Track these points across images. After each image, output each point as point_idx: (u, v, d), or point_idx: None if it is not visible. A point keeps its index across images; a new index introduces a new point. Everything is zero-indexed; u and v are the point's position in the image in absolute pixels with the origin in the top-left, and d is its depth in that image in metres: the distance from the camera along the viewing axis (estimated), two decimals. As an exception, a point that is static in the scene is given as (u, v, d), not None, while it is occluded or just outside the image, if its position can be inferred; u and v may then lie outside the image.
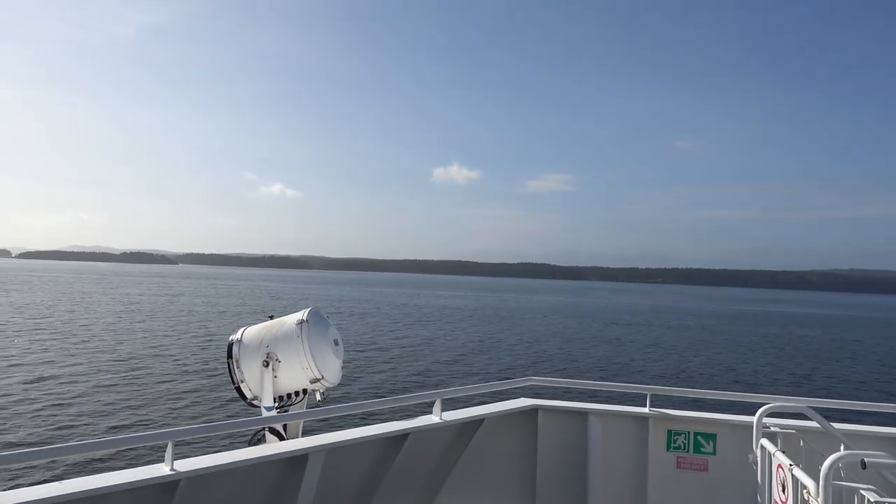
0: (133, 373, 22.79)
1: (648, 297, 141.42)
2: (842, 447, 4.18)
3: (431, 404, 4.89)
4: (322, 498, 4.06)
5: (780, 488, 3.72)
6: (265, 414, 4.59)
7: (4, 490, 3.06)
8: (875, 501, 2.91)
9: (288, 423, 4.65)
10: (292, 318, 4.76)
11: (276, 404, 4.70)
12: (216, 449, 4.00)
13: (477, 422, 5.09)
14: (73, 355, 26.14)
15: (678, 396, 5.45)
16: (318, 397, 4.82)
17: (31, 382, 20.31)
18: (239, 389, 4.78)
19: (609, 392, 5.66)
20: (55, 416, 16.48)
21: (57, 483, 3.10)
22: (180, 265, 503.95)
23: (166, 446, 3.37)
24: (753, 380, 27.83)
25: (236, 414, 14.43)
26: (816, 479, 3.12)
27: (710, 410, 5.38)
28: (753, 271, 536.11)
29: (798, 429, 4.49)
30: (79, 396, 18.70)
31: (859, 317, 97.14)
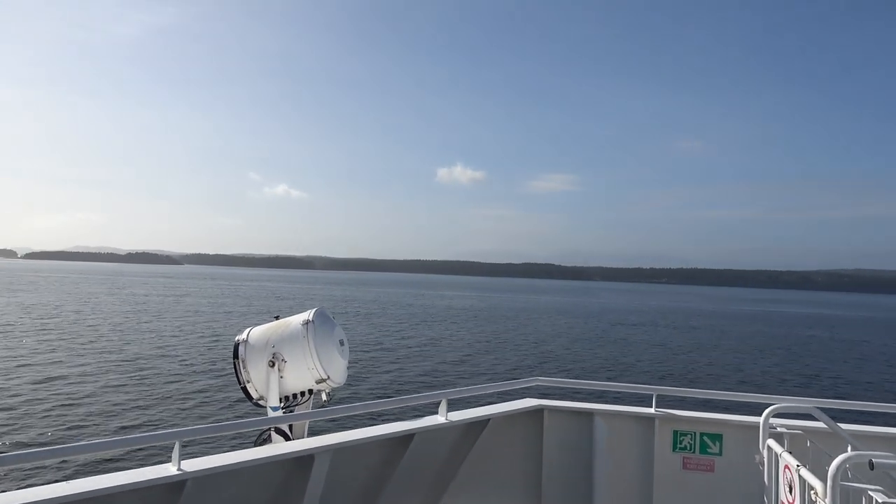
0: (140, 373, 22.85)
1: (653, 298, 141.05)
2: (849, 448, 4.16)
3: (437, 404, 4.89)
4: (328, 498, 4.06)
5: (787, 489, 3.70)
6: (271, 414, 4.60)
7: (12, 490, 3.07)
8: (883, 502, 2.89)
9: (294, 423, 4.66)
10: (298, 319, 4.76)
11: (282, 404, 4.71)
12: (223, 449, 4.01)
13: (483, 422, 5.08)
14: (80, 355, 26.22)
15: (684, 397, 5.43)
16: (324, 397, 4.83)
17: (40, 382, 20.39)
18: (245, 390, 4.79)
19: (615, 392, 5.64)
20: (63, 415, 16.54)
21: (64, 483, 3.11)
22: (185, 265, 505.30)
23: (173, 446, 3.38)
24: (759, 380, 27.70)
25: (243, 414, 14.46)
26: (824, 480, 3.10)
27: (716, 411, 5.36)
28: (757, 271, 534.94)
29: (805, 429, 4.46)
30: (86, 396, 18.76)
31: (865, 317, 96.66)
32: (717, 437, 5.05)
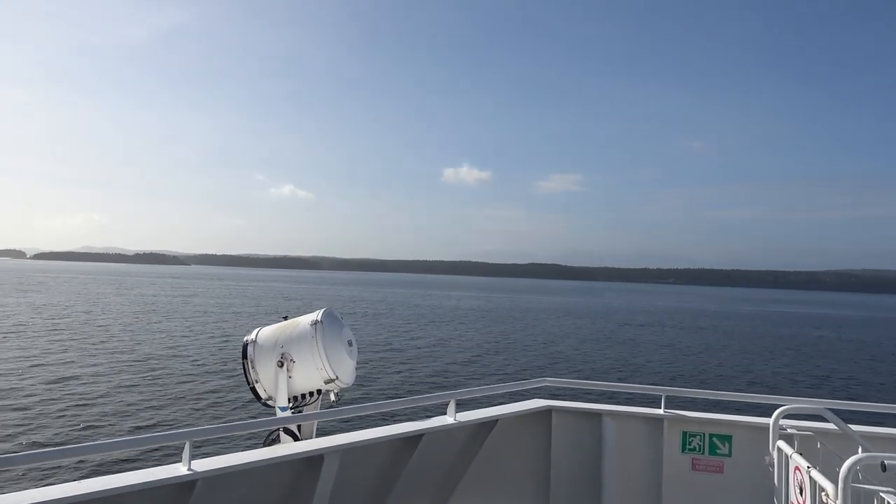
0: (150, 373, 22.96)
1: (660, 298, 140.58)
2: (860, 449, 4.14)
3: (446, 405, 4.89)
4: (337, 498, 4.07)
5: (798, 491, 3.68)
6: (280, 414, 4.60)
7: (23, 490, 3.09)
8: None
9: (302, 423, 4.67)
10: (307, 319, 4.77)
11: (291, 405, 4.71)
12: (233, 449, 4.02)
13: (491, 423, 5.08)
14: (91, 356, 26.39)
15: (693, 398, 5.41)
16: (333, 398, 4.83)
17: (53, 382, 20.53)
18: (254, 390, 4.79)
19: (623, 393, 5.62)
20: (76, 415, 16.65)
21: (75, 482, 3.12)
22: (192, 266, 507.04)
23: (184, 446, 3.39)
24: (769, 381, 27.57)
25: (252, 415, 14.51)
26: (835, 482, 3.09)
27: (726, 412, 5.34)
28: (764, 271, 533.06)
29: (815, 431, 4.44)
30: (98, 396, 18.87)
31: (874, 317, 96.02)
32: (726, 439, 5.02)
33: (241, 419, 15.29)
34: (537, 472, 5.30)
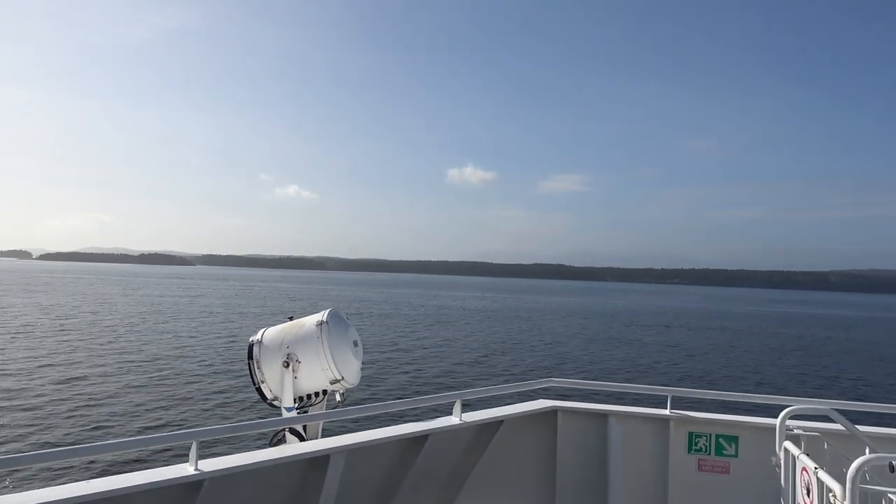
0: (157, 373, 23.03)
1: (666, 298, 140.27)
2: (867, 450, 4.13)
3: (451, 405, 4.89)
4: (343, 498, 4.07)
5: (805, 491, 3.66)
6: (286, 415, 4.61)
7: (31, 489, 3.10)
8: None
9: (308, 423, 4.67)
10: (312, 320, 4.77)
11: (297, 405, 4.72)
12: (239, 449, 4.03)
13: (496, 423, 5.08)
14: (99, 356, 26.49)
15: (699, 398, 5.40)
16: (338, 398, 4.83)
17: (60, 383, 20.60)
18: (259, 390, 4.79)
19: (629, 394, 5.61)
20: (83, 416, 16.70)
21: (83, 482, 3.13)
22: (197, 266, 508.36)
23: (190, 446, 3.40)
24: (776, 382, 27.46)
25: (258, 415, 14.55)
26: (842, 483, 3.07)
27: (732, 412, 5.33)
28: (771, 272, 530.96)
29: (822, 431, 4.42)
30: (104, 397, 18.93)
31: (881, 318, 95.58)
32: (732, 439, 5.01)
33: (247, 419, 15.32)
34: (543, 473, 5.30)
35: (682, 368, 30.41)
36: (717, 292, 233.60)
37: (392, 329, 44.23)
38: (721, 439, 5.03)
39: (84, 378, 21.60)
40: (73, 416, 16.66)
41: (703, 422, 5.08)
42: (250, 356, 4.78)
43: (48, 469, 11.54)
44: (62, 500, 2.90)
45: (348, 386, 4.72)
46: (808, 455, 3.72)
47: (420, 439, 4.54)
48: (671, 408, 5.14)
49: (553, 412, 5.31)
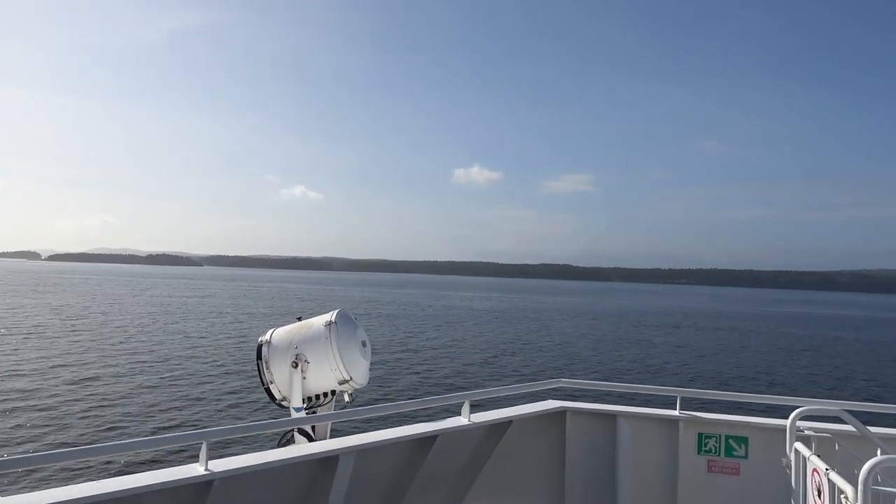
0: (167, 374, 23.16)
1: (673, 299, 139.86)
2: (879, 452, 4.10)
3: (460, 406, 4.89)
4: (352, 498, 4.08)
5: (816, 493, 3.65)
6: (294, 415, 4.62)
7: (44, 489, 3.12)
8: None
9: (317, 424, 4.68)
10: (321, 320, 4.79)
11: (305, 405, 4.73)
12: (249, 449, 4.05)
13: (505, 424, 5.07)
14: (109, 356, 26.69)
15: (709, 399, 5.38)
16: (347, 398, 4.85)
17: (72, 383, 20.76)
18: (268, 390, 4.81)
19: (638, 395, 5.60)
20: (96, 416, 16.83)
21: (94, 482, 3.15)
22: (204, 267, 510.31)
23: (201, 446, 3.42)
24: (785, 382, 27.35)
25: (267, 415, 14.60)
26: (854, 484, 3.06)
27: (742, 413, 5.31)
28: (778, 272, 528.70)
29: (833, 433, 4.41)
30: (115, 397, 19.05)
31: (893, 318, 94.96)
32: (742, 440, 4.99)
33: (256, 420, 15.39)
34: (551, 474, 5.29)
35: (692, 369, 30.31)
36: (725, 292, 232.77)
37: (400, 329, 44.29)
38: (731, 440, 5.01)
39: (96, 378, 21.78)
40: (86, 416, 16.79)
41: (713, 423, 5.06)
42: (259, 356, 4.80)
43: (60, 469, 11.62)
44: (75, 500, 2.91)
45: (357, 386, 4.73)
46: (818, 456, 3.70)
47: (429, 440, 4.54)
48: (681, 408, 5.12)
49: (562, 413, 5.30)
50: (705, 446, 5.05)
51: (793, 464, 4.07)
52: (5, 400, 18.09)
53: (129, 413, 17.24)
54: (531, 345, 37.95)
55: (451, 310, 69.64)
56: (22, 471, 11.19)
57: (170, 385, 21.13)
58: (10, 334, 32.74)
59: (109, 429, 15.61)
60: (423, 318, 55.71)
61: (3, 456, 12.19)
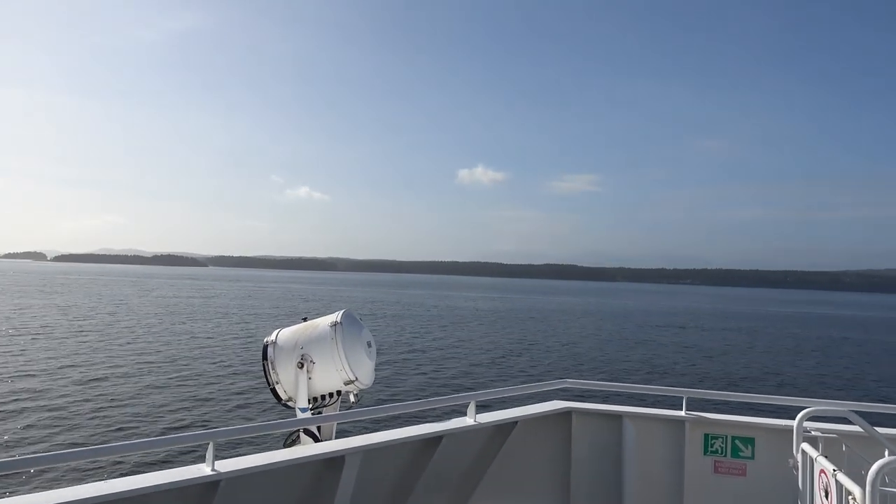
0: (174, 374, 23.22)
1: (679, 299, 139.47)
2: (886, 452, 4.08)
3: (465, 406, 4.89)
4: (358, 499, 4.09)
5: (823, 494, 3.63)
6: (300, 415, 4.63)
7: (51, 489, 3.14)
8: None
9: (322, 424, 4.69)
10: (326, 321, 4.79)
11: (311, 406, 4.74)
12: (255, 449, 4.06)
13: (510, 424, 5.07)
14: (117, 357, 26.79)
15: (715, 400, 5.36)
16: (352, 399, 4.85)
17: (80, 383, 20.85)
18: (274, 391, 4.82)
19: (644, 395, 5.58)
20: (104, 416, 16.89)
21: (102, 482, 3.17)
22: (209, 267, 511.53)
23: (207, 447, 3.43)
24: (792, 383, 27.23)
25: (274, 416, 14.64)
26: (861, 485, 3.05)
27: (748, 414, 5.28)
28: (784, 272, 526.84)
29: (840, 433, 4.39)
30: (123, 397, 19.12)
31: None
32: (749, 441, 4.97)
33: (263, 420, 15.42)
34: (557, 474, 5.28)
35: (698, 369, 30.22)
36: (730, 293, 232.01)
37: (405, 330, 44.30)
38: (737, 441, 4.99)
39: (104, 379, 21.87)
40: (94, 416, 16.86)
41: (719, 423, 5.04)
42: (265, 357, 4.81)
43: (69, 469, 11.67)
44: (82, 500, 2.92)
45: (362, 387, 4.74)
46: (826, 457, 3.69)
47: (434, 440, 4.54)
48: (687, 409, 5.11)
49: (567, 413, 5.29)
50: (711, 447, 5.04)
51: (800, 465, 4.05)
52: (16, 400, 18.19)
53: (136, 413, 17.29)
54: (536, 345, 37.90)
55: (455, 310, 69.62)
56: (31, 471, 11.24)
57: (177, 385, 21.18)
58: (19, 335, 32.90)
59: (118, 429, 15.65)
60: (427, 319, 55.72)
61: (12, 456, 12.25)
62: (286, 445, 4.51)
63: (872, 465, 3.01)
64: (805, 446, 4.01)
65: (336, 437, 4.63)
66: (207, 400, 19.28)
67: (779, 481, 4.65)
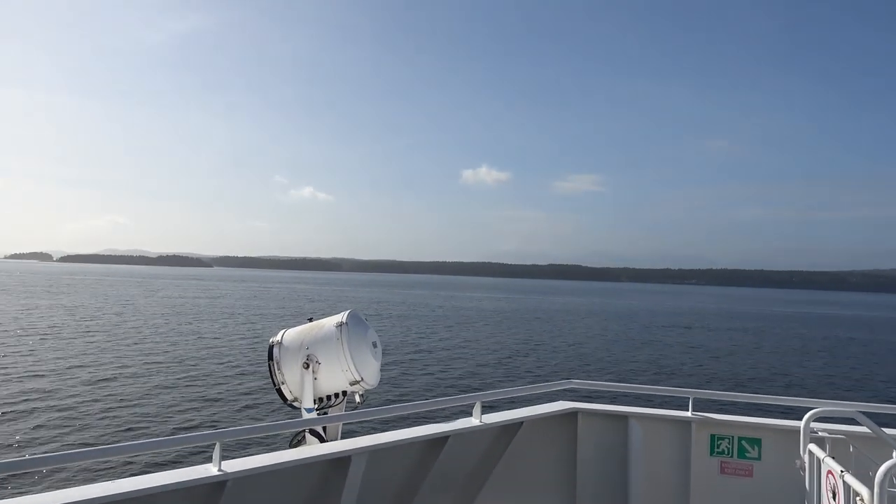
0: (181, 374, 23.31)
1: (684, 299, 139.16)
2: (894, 453, 4.06)
3: (471, 407, 4.88)
4: (364, 499, 4.09)
5: (831, 495, 3.62)
6: (306, 416, 4.63)
7: (59, 489, 3.15)
8: None
9: (328, 424, 4.69)
10: (332, 321, 4.78)
11: (316, 406, 4.74)
12: (261, 449, 4.07)
13: (516, 425, 5.06)
14: (124, 357, 26.91)
15: (722, 400, 5.35)
16: (358, 399, 4.85)
17: (89, 384, 20.94)
18: (279, 391, 4.81)
19: (650, 396, 5.57)
20: (111, 416, 16.96)
21: (109, 482, 3.17)
22: (214, 268, 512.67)
23: (214, 447, 3.43)
24: (799, 384, 27.14)
25: (282, 417, 14.67)
26: (869, 486, 3.04)
27: (755, 415, 5.26)
28: (790, 272, 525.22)
29: (847, 434, 4.37)
30: (131, 397, 19.21)
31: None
32: (755, 442, 4.95)
33: (269, 421, 15.46)
34: (563, 475, 5.27)
35: (704, 370, 30.14)
36: (736, 293, 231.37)
37: (411, 330, 44.33)
38: (744, 442, 4.97)
39: (112, 379, 21.97)
40: (102, 416, 16.95)
41: (726, 424, 5.03)
42: (270, 357, 4.81)
43: (76, 469, 11.72)
44: (90, 500, 2.93)
45: (368, 387, 4.73)
46: (833, 458, 3.67)
47: (440, 441, 4.54)
48: (693, 409, 5.09)
49: (573, 414, 5.28)
50: (718, 448, 5.02)
51: (807, 465, 4.04)
52: (26, 400, 18.30)
53: (144, 413, 17.37)
54: (542, 346, 37.87)
55: (460, 310, 69.63)
56: (42, 470, 11.29)
57: (184, 386, 21.26)
58: (27, 335, 33.07)
59: (126, 429, 15.72)
60: (432, 319, 55.74)
61: (20, 456, 12.31)
62: (292, 446, 4.51)
63: (880, 466, 3.00)
64: (812, 447, 4.00)
65: (341, 438, 4.63)
66: (214, 400, 19.34)
67: (786, 482, 4.63)
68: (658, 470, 5.09)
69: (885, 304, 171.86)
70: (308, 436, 4.59)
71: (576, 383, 5.45)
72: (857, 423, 4.40)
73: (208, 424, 16.50)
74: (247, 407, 18.57)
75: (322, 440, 4.55)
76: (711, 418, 5.05)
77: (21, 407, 17.46)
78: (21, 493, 3.55)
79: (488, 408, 4.97)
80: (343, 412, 4.78)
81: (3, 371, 22.53)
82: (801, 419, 4.22)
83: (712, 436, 5.03)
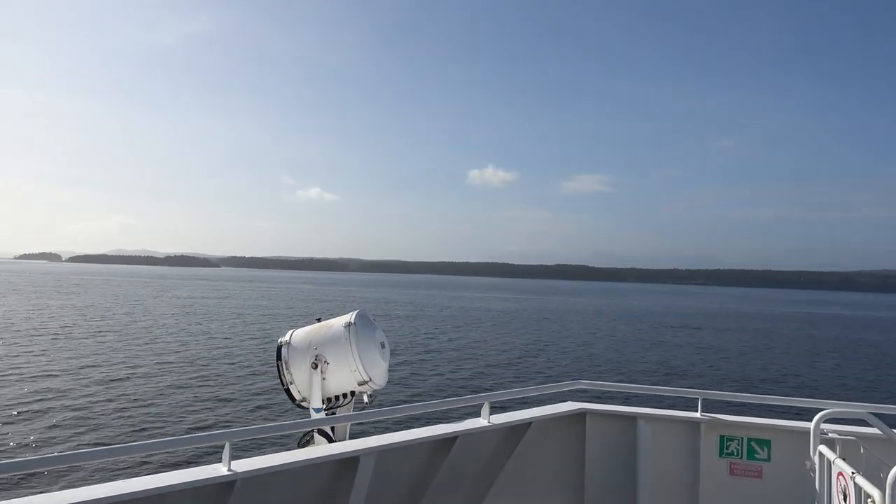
0: (191, 374, 23.44)
1: (692, 299, 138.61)
2: None
3: (479, 407, 4.88)
4: (372, 499, 4.09)
5: (841, 497, 3.60)
6: (314, 416, 4.65)
7: (69, 488, 3.17)
8: None
9: (336, 424, 4.70)
10: (340, 321, 4.80)
11: (325, 406, 4.75)
12: (271, 449, 4.08)
13: (525, 425, 5.05)
14: (135, 357, 27.10)
15: (731, 401, 5.32)
16: (366, 399, 4.86)
17: (100, 384, 21.09)
18: (288, 391, 4.84)
19: (659, 396, 5.54)
20: (122, 416, 17.08)
21: (119, 482, 3.19)
22: (222, 268, 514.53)
23: (223, 447, 3.44)
24: (809, 384, 26.99)
25: (290, 416, 14.71)
26: (880, 488, 3.02)
27: (765, 416, 5.24)
28: (798, 272, 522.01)
29: (858, 435, 4.34)
30: (142, 397, 19.34)
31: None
32: (765, 443, 4.92)
33: (277, 421, 15.50)
34: (571, 476, 5.26)
35: (714, 371, 30.01)
36: (744, 293, 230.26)
37: (418, 331, 44.37)
38: (753, 443, 4.95)
39: (124, 379, 22.15)
40: (114, 416, 17.07)
41: (735, 425, 5.00)
42: (279, 357, 4.83)
43: (86, 468, 11.79)
44: (99, 499, 2.94)
45: (376, 387, 4.74)
46: (844, 460, 3.65)
47: (448, 441, 4.54)
48: (702, 410, 5.07)
49: (581, 414, 5.27)
50: (727, 449, 5.00)
51: (817, 467, 4.01)
52: (40, 400, 18.44)
53: (156, 413, 17.49)
54: (550, 346, 37.82)
55: (468, 311, 69.60)
56: (52, 470, 11.36)
57: (194, 386, 21.37)
58: (39, 335, 33.31)
59: (140, 429, 15.82)
60: (440, 319, 55.75)
61: (33, 455, 12.40)
62: (300, 446, 4.53)
63: (892, 467, 2.97)
64: (822, 448, 3.97)
65: (350, 438, 4.64)
66: (224, 400, 19.43)
67: (795, 484, 4.60)
68: (667, 471, 5.07)
69: (894, 304, 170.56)
70: (317, 436, 4.61)
71: (584, 384, 5.43)
72: (868, 425, 4.37)
73: (218, 424, 16.56)
74: (256, 407, 18.64)
75: (330, 440, 4.56)
76: (720, 419, 5.03)
77: (35, 406, 17.60)
78: (33, 493, 3.57)
79: (497, 408, 4.97)
80: (351, 412, 4.79)
81: (17, 371, 22.74)
82: (810, 420, 4.19)
83: (721, 437, 5.01)
